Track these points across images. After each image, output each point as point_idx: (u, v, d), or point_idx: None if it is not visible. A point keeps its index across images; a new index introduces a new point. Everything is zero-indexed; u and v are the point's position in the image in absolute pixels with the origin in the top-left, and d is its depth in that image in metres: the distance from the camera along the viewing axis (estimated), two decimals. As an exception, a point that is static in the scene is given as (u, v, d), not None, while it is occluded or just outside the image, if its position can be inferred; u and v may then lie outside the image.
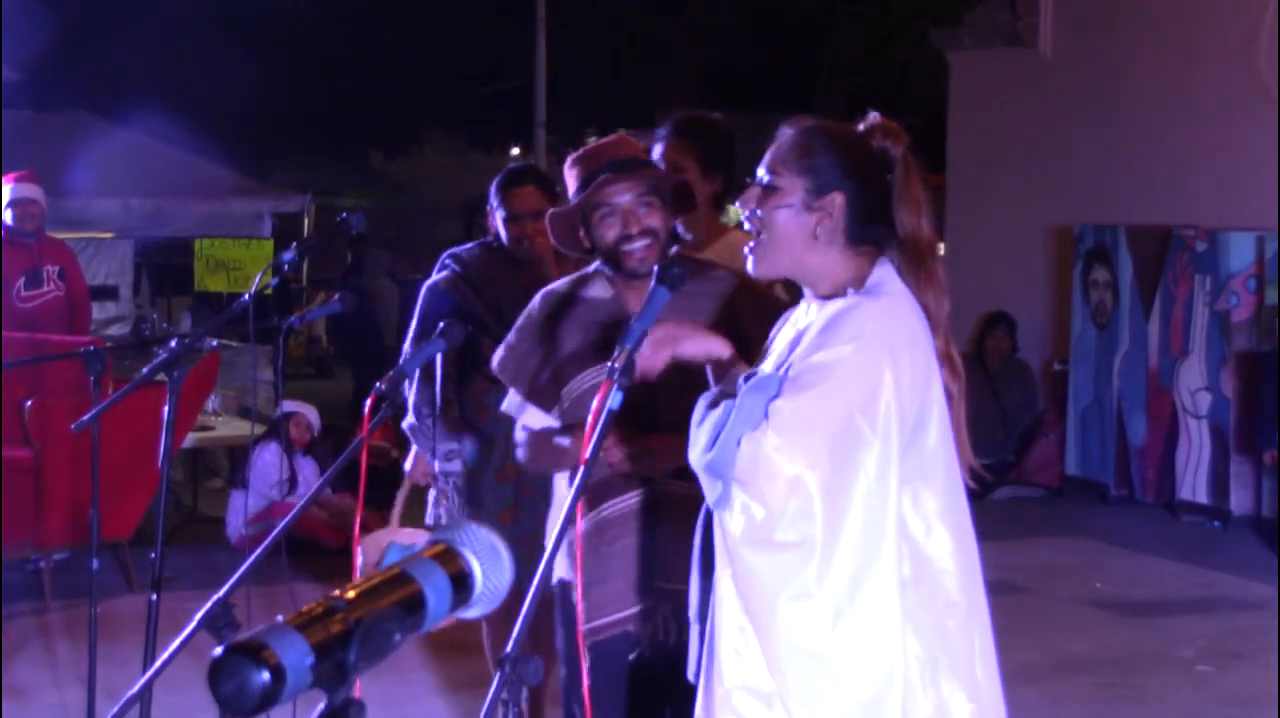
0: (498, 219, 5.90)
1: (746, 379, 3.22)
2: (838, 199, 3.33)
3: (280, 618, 1.64)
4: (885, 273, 3.30)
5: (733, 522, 3.15)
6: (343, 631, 1.66)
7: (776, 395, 3.13)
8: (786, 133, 3.43)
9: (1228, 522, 11.17)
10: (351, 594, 1.70)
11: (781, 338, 3.41)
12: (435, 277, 6.06)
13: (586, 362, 4.44)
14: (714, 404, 3.23)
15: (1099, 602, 9.37)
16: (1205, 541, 10.94)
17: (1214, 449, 11.33)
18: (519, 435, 4.85)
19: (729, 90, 28.39)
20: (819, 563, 3.08)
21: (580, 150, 4.55)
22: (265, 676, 1.57)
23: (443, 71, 26.55)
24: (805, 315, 3.36)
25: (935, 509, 3.22)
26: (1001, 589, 9.49)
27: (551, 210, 4.59)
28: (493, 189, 5.93)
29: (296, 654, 1.60)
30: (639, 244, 4.34)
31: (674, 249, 4.55)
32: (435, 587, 1.80)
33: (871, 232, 3.35)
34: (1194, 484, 11.47)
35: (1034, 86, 14.02)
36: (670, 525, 4.28)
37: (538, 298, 4.63)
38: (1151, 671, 8.06)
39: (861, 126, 3.41)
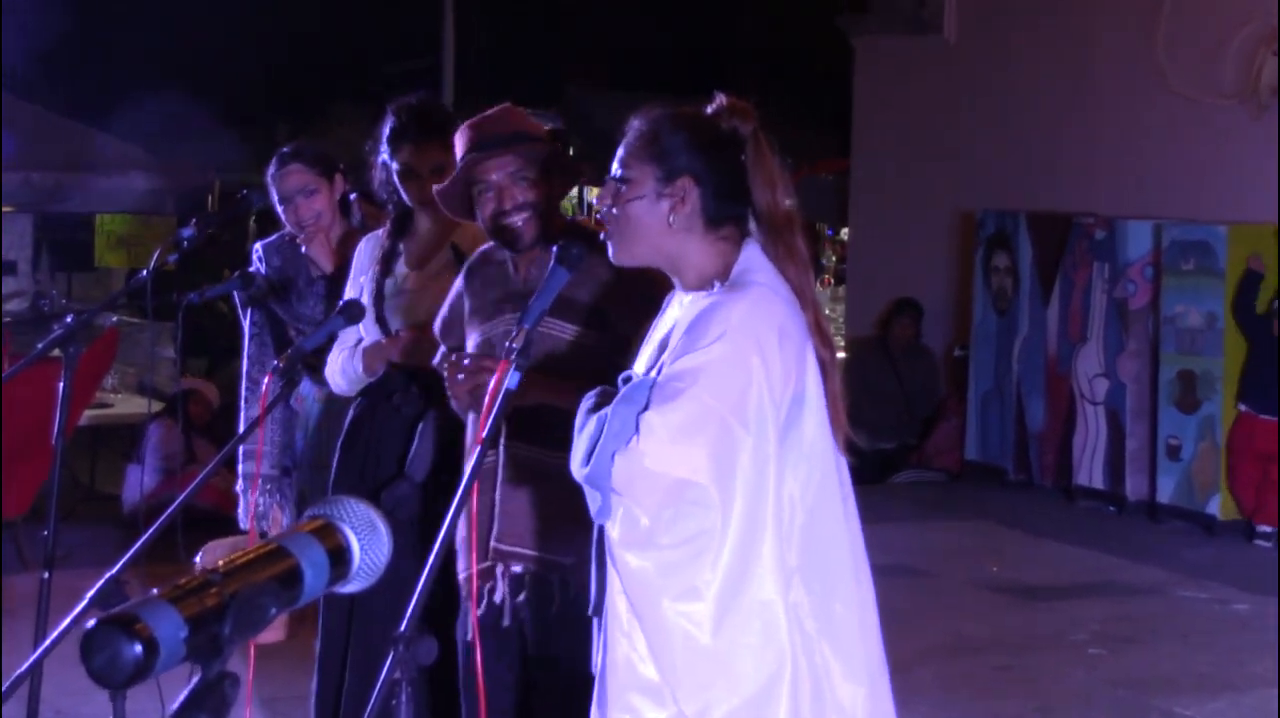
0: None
1: (624, 382, 3.23)
2: (687, 183, 3.34)
3: (155, 592, 1.64)
4: (750, 258, 3.31)
5: (613, 529, 3.17)
6: (217, 604, 1.66)
7: (647, 406, 3.14)
8: (634, 124, 3.45)
9: (1123, 507, 11.28)
10: (228, 568, 1.71)
11: (653, 336, 3.42)
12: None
13: (476, 322, 4.52)
14: (595, 408, 3.24)
15: (995, 585, 9.44)
16: (1100, 525, 11.05)
17: (1110, 435, 11.43)
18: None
19: (640, 73, 28.39)
20: (702, 562, 3.10)
21: (464, 123, 4.57)
22: (138, 648, 1.57)
23: (351, 47, 26.40)
24: (677, 307, 3.37)
25: (816, 494, 3.24)
26: (899, 572, 9.60)
27: (436, 188, 4.60)
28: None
29: (170, 627, 1.60)
30: (515, 218, 4.38)
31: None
32: (312, 561, 1.80)
33: (728, 212, 3.36)
34: (1090, 469, 11.58)
35: (938, 72, 14.09)
36: (514, 487, 4.34)
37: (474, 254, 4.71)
38: (1045, 653, 8.13)
39: (710, 108, 3.42)
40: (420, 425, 5.08)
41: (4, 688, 3.80)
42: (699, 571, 3.10)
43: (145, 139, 17.94)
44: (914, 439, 13.11)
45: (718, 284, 3.30)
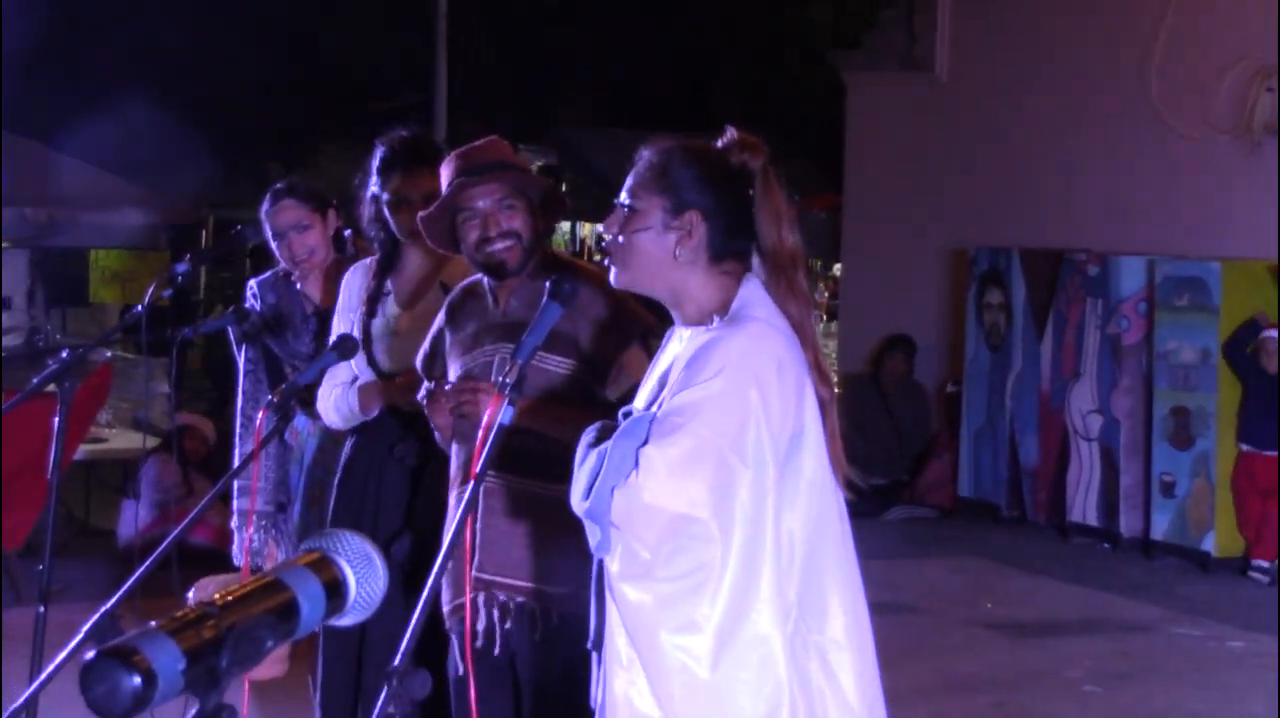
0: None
1: (624, 417, 3.24)
2: (694, 217, 3.35)
3: (153, 624, 1.64)
4: (750, 293, 3.31)
5: (613, 563, 3.17)
6: (215, 636, 1.67)
7: (646, 441, 3.15)
8: (644, 154, 3.45)
9: (1117, 544, 11.28)
10: (225, 601, 1.71)
11: (653, 372, 3.43)
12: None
13: (457, 354, 4.54)
14: (596, 442, 3.25)
15: (990, 622, 9.44)
16: (1094, 562, 11.05)
17: (1104, 471, 11.44)
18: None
19: (629, 108, 28.45)
20: (701, 596, 3.10)
21: (452, 152, 4.59)
22: (136, 680, 1.58)
23: (343, 84, 26.44)
24: (678, 342, 3.38)
25: (815, 529, 3.24)
26: (893, 609, 9.59)
27: (421, 214, 4.61)
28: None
29: (168, 659, 1.61)
30: (499, 246, 4.40)
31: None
32: (309, 594, 1.81)
33: (734, 247, 3.36)
34: (1084, 506, 11.58)
35: (930, 109, 14.13)
36: (496, 518, 4.36)
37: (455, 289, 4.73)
38: (1039, 691, 8.12)
39: (720, 142, 3.43)
40: (422, 477, 5.09)
41: (-1, 722, 3.79)
42: (698, 604, 3.11)
43: (138, 175, 17.96)
44: (906, 475, 13.10)
45: (716, 319, 3.31)
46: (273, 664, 5.60)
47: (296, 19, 25.95)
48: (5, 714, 3.89)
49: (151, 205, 16.14)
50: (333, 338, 5.23)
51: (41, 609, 4.59)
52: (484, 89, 26.88)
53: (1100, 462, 11.48)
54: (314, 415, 5.53)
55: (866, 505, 12.45)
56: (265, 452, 5.71)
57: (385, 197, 5.18)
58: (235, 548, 6.03)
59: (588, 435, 3.28)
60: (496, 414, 3.29)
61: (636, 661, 3.18)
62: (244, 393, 6.06)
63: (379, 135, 5.32)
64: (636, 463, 3.12)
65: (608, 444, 3.18)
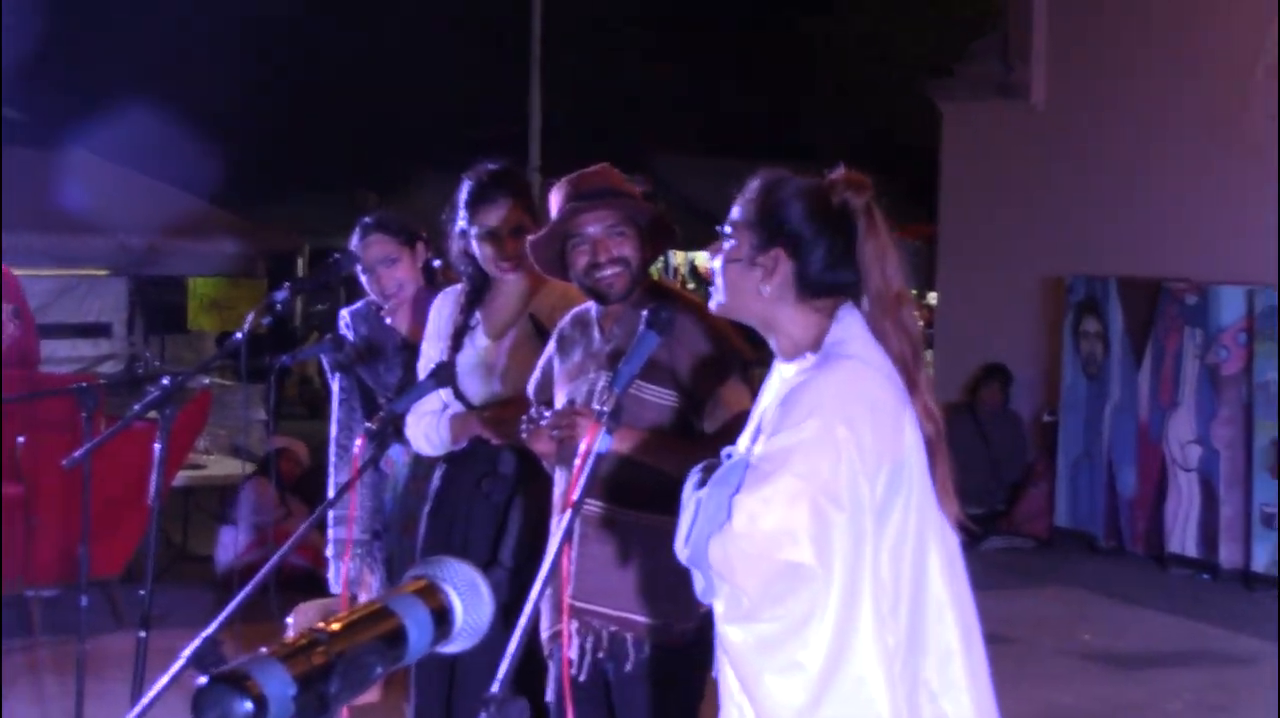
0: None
1: (727, 458, 3.24)
2: (780, 254, 3.33)
3: (264, 650, 1.66)
4: (844, 328, 3.29)
5: (719, 605, 3.18)
6: (325, 663, 1.68)
7: (739, 487, 3.14)
8: (751, 184, 3.44)
9: (1216, 574, 11.16)
10: (334, 627, 1.73)
11: (756, 410, 3.42)
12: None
13: (563, 383, 4.56)
14: (701, 483, 3.25)
15: (1087, 653, 9.36)
16: (1194, 593, 10.94)
17: (1203, 502, 11.33)
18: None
19: (724, 138, 28.46)
20: (803, 638, 3.10)
21: (564, 178, 4.60)
22: (249, 705, 1.59)
23: (438, 113, 26.62)
24: (775, 382, 3.37)
25: (916, 566, 3.22)
26: (989, 640, 9.44)
27: (530, 238, 4.63)
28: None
29: (279, 685, 1.62)
30: (607, 273, 4.41)
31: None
32: (416, 621, 1.82)
33: (827, 284, 3.34)
34: (1183, 537, 11.48)
35: (1026, 137, 14.06)
36: (591, 545, 4.36)
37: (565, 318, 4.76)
38: (1138, 722, 8.06)
39: (827, 179, 3.40)
40: (509, 511, 5.11)
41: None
42: (800, 646, 3.10)
43: (235, 203, 18.14)
44: (1003, 505, 13.01)
45: (809, 353, 3.30)
46: (368, 691, 5.64)
47: (393, 51, 26.17)
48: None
49: (249, 234, 16.30)
50: (423, 363, 5.27)
51: (142, 634, 4.65)
52: (578, 118, 26.99)
53: (1199, 492, 11.37)
54: (406, 442, 5.57)
55: (962, 536, 12.38)
56: (361, 480, 5.76)
57: (472, 230, 5.20)
58: (332, 576, 6.06)
59: (692, 478, 3.28)
60: (594, 442, 3.30)
61: (746, 704, 3.19)
62: (337, 422, 6.10)
63: (472, 165, 5.35)
64: (730, 511, 3.12)
65: (702, 493, 3.19)
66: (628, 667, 4.37)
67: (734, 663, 3.17)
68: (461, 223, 5.23)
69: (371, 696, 5.63)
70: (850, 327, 3.29)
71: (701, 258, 35.95)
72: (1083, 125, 13.48)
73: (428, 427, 5.25)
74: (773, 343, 3.41)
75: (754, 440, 3.27)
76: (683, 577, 3.34)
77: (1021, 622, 9.91)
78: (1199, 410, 11.42)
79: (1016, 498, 12.98)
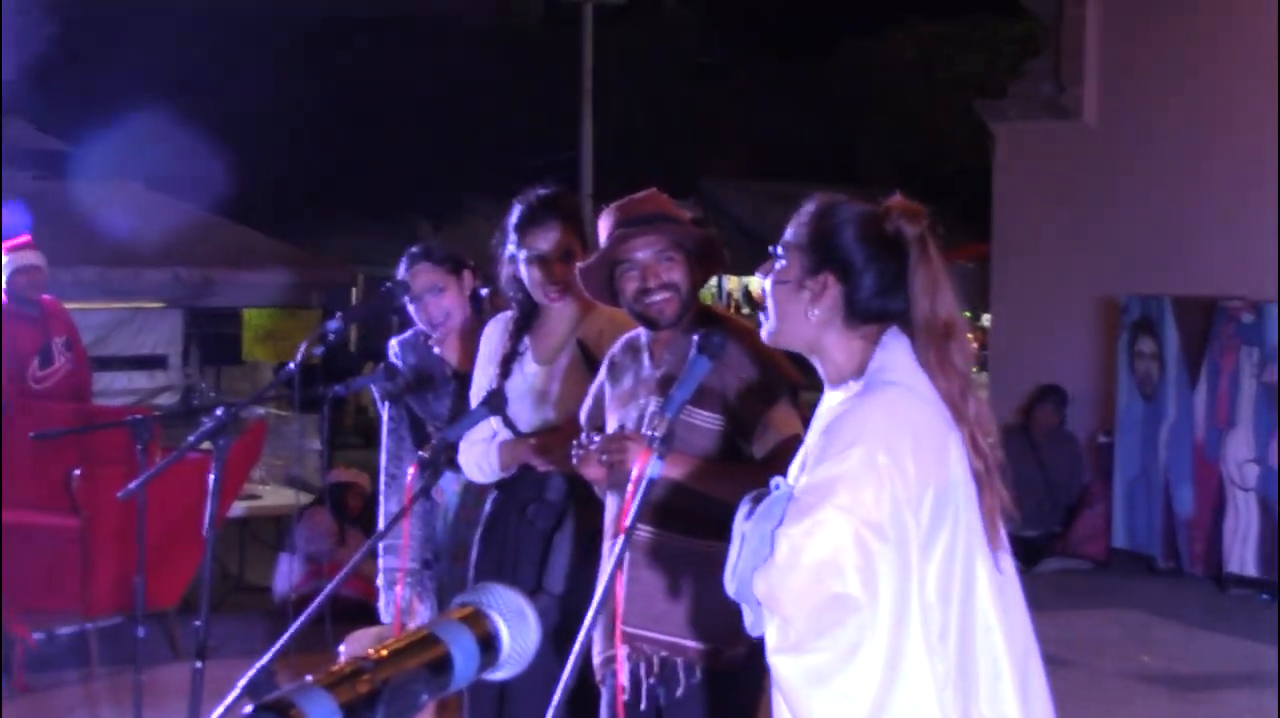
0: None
1: (775, 487, 3.22)
2: (829, 279, 3.32)
3: (309, 678, 1.66)
4: (888, 356, 3.27)
5: (769, 637, 3.17)
6: (370, 691, 1.68)
7: (782, 520, 3.14)
8: (806, 207, 3.44)
9: (1276, 594, 11.08)
10: (380, 655, 1.73)
11: (814, 427, 3.41)
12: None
13: (614, 408, 4.57)
14: (752, 508, 3.24)
15: (1146, 675, 9.30)
16: (1253, 614, 10.85)
17: (1262, 521, 11.26)
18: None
19: (774, 161, 28.48)
20: (852, 670, 3.09)
21: (613, 204, 4.60)
22: (293, 734, 1.59)
23: (490, 141, 26.71)
24: (823, 410, 3.36)
25: (965, 595, 3.20)
26: (1048, 662, 9.39)
27: (579, 265, 4.63)
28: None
29: (324, 713, 1.62)
30: (657, 298, 4.41)
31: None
32: (462, 648, 1.82)
33: (876, 311, 3.32)
34: (1242, 557, 11.40)
35: (1078, 157, 14.01)
36: (640, 570, 4.36)
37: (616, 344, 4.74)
38: (1198, 744, 8.00)
39: (882, 206, 3.38)
40: (556, 537, 5.11)
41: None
42: (851, 678, 3.09)
43: (289, 234, 18.23)
44: (1059, 527, 12.95)
45: (852, 381, 3.29)
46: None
47: (447, 81, 26.27)
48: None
49: (303, 264, 16.37)
50: (475, 391, 5.28)
51: (199, 665, 4.66)
52: (630, 145, 27.06)
53: (1258, 512, 11.30)
54: (458, 470, 5.58)
55: (1018, 557, 12.33)
56: (412, 509, 5.77)
57: (521, 254, 5.21)
58: (383, 605, 6.07)
59: (743, 508, 3.27)
60: (646, 468, 3.30)
61: None
62: (387, 451, 6.12)
63: (524, 191, 5.37)
64: (773, 545, 3.12)
65: (746, 525, 3.19)
66: (679, 692, 4.36)
67: (785, 695, 3.16)
68: (511, 247, 5.23)
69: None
70: (895, 353, 3.27)
71: (755, 283, 35.85)
72: (1135, 144, 13.43)
73: (479, 455, 5.26)
74: (819, 369, 3.41)
75: (802, 470, 3.26)
76: (732, 602, 3.33)
77: (1079, 644, 9.85)
78: (1256, 429, 11.35)
79: (1073, 519, 12.92)
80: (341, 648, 5.11)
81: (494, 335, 5.39)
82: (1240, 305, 11.57)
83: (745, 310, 29.62)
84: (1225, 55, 12.81)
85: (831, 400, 3.30)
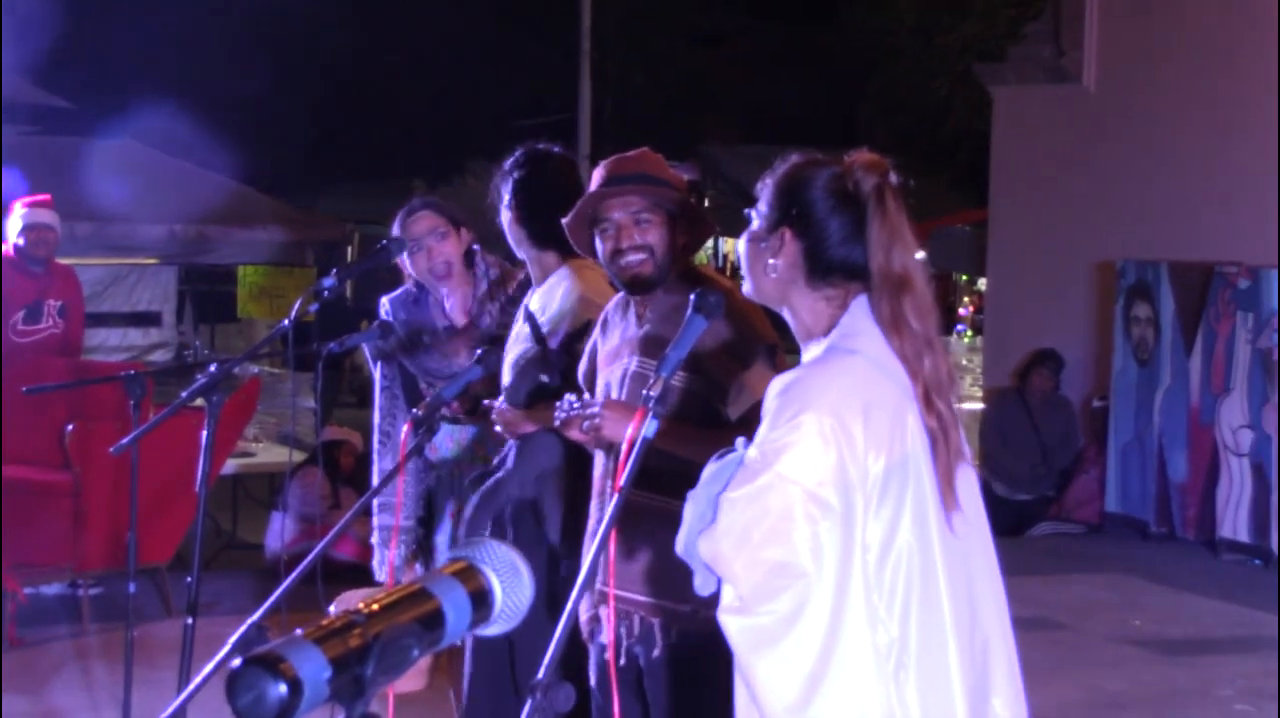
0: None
1: (745, 447, 3.22)
2: (787, 234, 3.31)
3: (299, 632, 1.65)
4: (853, 321, 3.24)
5: (722, 595, 3.17)
6: (361, 645, 1.67)
7: (727, 484, 3.13)
8: (774, 167, 3.43)
9: (1268, 560, 11.09)
10: (371, 609, 1.71)
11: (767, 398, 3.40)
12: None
13: (602, 367, 4.57)
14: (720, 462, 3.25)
15: (1137, 639, 9.31)
16: (1246, 579, 10.87)
17: (1255, 487, 11.26)
18: None
19: (772, 125, 28.43)
20: (794, 632, 3.08)
21: (603, 161, 4.59)
22: (282, 688, 1.58)
23: (487, 102, 26.66)
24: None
25: (913, 565, 3.18)
26: (1039, 626, 9.49)
27: (565, 219, 4.62)
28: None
29: (314, 668, 1.61)
30: (631, 259, 4.40)
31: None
32: (454, 603, 1.80)
33: (833, 268, 3.30)
34: (1235, 522, 11.41)
35: (1077, 121, 13.99)
36: (620, 531, 4.35)
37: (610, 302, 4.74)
38: (1189, 709, 8.01)
39: (847, 159, 3.36)
40: (546, 496, 5.11)
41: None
42: (793, 642, 3.08)
43: (285, 192, 18.17)
44: (1052, 491, 12.97)
45: (816, 341, 3.28)
46: (413, 678, 5.63)
47: (443, 41, 26.20)
48: (155, 724, 3.94)
49: (298, 222, 16.30)
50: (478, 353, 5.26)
51: (189, 621, 4.65)
52: (629, 107, 27.01)
53: (1251, 477, 11.30)
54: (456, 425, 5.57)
55: (1012, 521, 12.35)
56: (406, 467, 5.76)
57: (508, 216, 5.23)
58: (376, 563, 6.06)
59: (709, 468, 3.26)
60: (640, 428, 3.29)
61: (744, 691, 3.19)
62: (380, 409, 6.10)
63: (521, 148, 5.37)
64: (717, 509, 3.11)
65: (692, 492, 3.19)
66: (655, 653, 4.36)
67: (734, 653, 3.17)
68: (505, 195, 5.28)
69: (417, 683, 5.63)
70: (860, 320, 3.24)
71: (730, 245, 36.01)
72: (1134, 108, 13.41)
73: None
74: (791, 326, 3.40)
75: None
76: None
77: (1071, 608, 9.87)
78: (1251, 395, 11.35)
79: (1067, 484, 12.94)
80: (332, 609, 5.09)
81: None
82: (1236, 271, 11.56)
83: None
84: (1225, 20, 12.77)
85: (776, 380, 3.29)
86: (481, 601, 1.85)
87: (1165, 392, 12.07)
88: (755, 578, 3.08)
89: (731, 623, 3.14)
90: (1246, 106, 12.46)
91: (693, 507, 3.18)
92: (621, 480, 3.22)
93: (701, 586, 3.22)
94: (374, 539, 6.06)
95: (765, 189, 3.39)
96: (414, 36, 25.65)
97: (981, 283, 15.93)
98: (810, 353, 3.28)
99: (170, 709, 3.99)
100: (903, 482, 3.15)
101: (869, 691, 3.11)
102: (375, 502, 5.93)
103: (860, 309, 3.25)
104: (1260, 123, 12.27)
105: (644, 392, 3.35)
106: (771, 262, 3.32)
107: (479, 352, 4.80)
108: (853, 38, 30.00)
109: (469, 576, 1.85)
